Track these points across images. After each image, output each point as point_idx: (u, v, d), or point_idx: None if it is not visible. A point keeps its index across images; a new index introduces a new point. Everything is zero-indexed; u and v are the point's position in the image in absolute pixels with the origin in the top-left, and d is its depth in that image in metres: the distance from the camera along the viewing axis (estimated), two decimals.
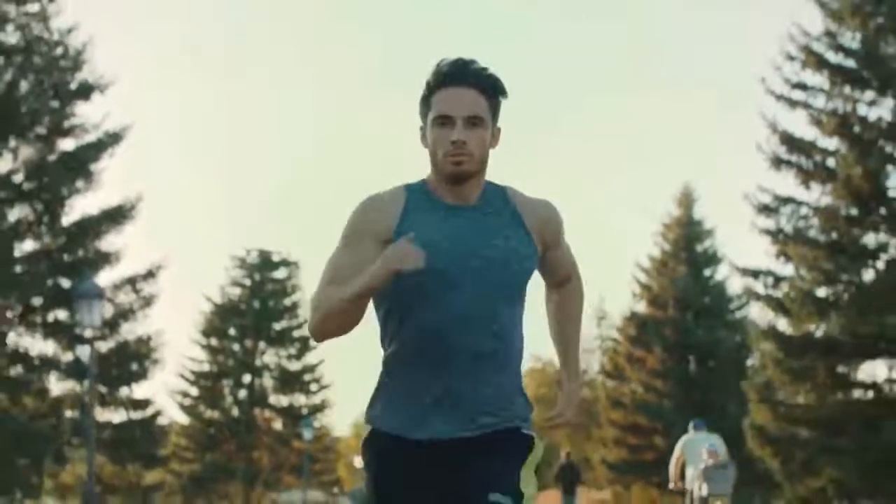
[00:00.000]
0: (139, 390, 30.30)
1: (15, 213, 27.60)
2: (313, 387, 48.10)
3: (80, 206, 29.09)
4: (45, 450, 25.90)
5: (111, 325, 28.29)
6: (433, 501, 3.20)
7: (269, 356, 48.03)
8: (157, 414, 31.17)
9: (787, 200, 27.75)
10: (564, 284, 3.50)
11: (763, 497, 35.48)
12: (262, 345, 47.68)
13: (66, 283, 27.47)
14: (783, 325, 28.23)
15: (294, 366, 48.04)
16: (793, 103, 27.72)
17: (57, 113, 27.93)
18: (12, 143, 27.42)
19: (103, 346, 28.21)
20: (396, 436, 3.21)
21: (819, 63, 27.45)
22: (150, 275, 29.42)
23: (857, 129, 27.05)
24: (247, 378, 47.35)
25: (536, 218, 3.30)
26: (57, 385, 28.20)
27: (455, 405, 3.17)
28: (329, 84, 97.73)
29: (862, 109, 27.28)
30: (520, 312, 3.28)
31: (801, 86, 27.75)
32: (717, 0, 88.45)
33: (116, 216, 28.58)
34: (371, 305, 3.25)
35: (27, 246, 27.86)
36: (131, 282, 29.23)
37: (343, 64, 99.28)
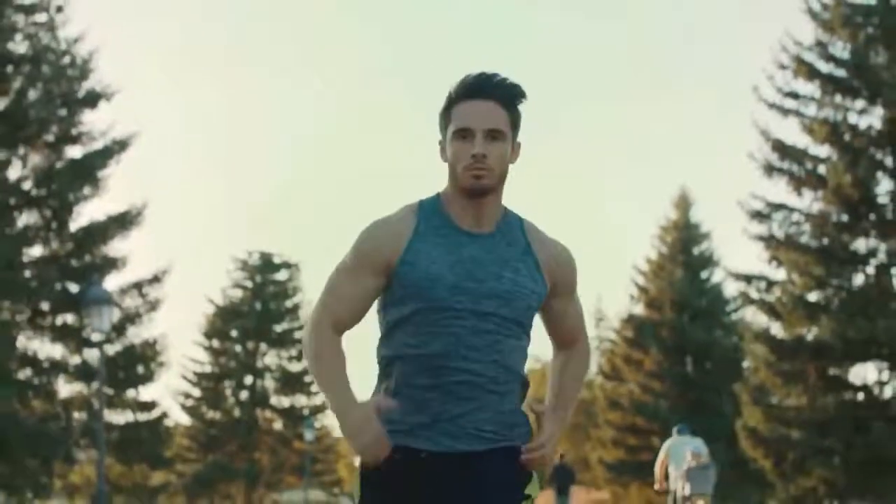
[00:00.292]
0: (145, 392, 30.63)
1: (24, 219, 27.82)
2: (314, 388, 47.52)
3: (87, 212, 29.79)
4: (54, 451, 26.08)
5: (118, 329, 28.44)
6: None
7: (271, 357, 48.13)
8: (163, 416, 31.35)
9: (779, 207, 28.01)
10: (571, 347, 3.40)
11: (759, 496, 35.86)
12: (263, 346, 47.77)
13: (73, 287, 27.65)
14: (775, 328, 28.48)
15: (295, 367, 47.97)
16: (785, 111, 28.06)
17: (65, 121, 28.11)
18: (21, 150, 27.66)
19: (110, 350, 28.36)
20: (394, 446, 3.14)
21: (810, 72, 27.75)
22: (155, 279, 29.59)
23: (847, 137, 27.35)
24: (248, 379, 47.46)
25: (551, 257, 3.23)
26: (65, 387, 28.38)
27: (453, 427, 3.13)
28: (330, 85, 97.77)
29: (852, 118, 27.64)
30: (525, 344, 3.23)
31: (793, 95, 28.10)
32: (718, 3, 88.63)
33: (123, 222, 28.71)
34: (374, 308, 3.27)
35: (36, 251, 28.05)
36: (138, 286, 29.42)
37: (344, 66, 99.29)
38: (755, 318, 29.95)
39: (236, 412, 47.12)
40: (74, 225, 28.42)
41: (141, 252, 55.68)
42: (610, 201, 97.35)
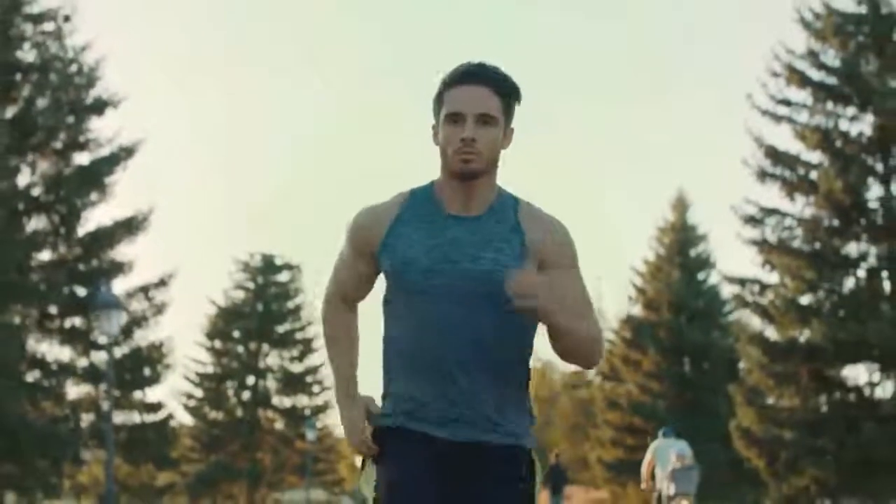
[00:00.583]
0: (152, 394, 30.90)
1: (33, 225, 28.19)
2: (315, 388, 48.04)
3: (94, 218, 29.77)
4: (64, 452, 26.42)
5: (125, 332, 28.77)
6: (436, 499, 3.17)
7: (273, 358, 48.09)
8: (169, 417, 31.59)
9: (772, 212, 28.20)
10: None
11: (754, 496, 36.10)
12: (265, 347, 47.73)
13: (81, 291, 28.04)
14: (769, 331, 28.67)
15: (297, 368, 48.03)
16: (778, 118, 28.27)
17: (72, 128, 28.49)
18: (30, 157, 28.06)
19: (117, 352, 28.69)
20: (397, 428, 3.21)
21: (802, 80, 28.00)
22: (162, 283, 29.99)
23: (838, 143, 27.58)
24: (250, 380, 47.41)
25: (539, 233, 3.18)
26: (73, 389, 28.73)
27: (444, 411, 3.14)
28: (330, 85, 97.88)
29: (843, 125, 27.88)
30: (516, 326, 3.15)
31: (786, 102, 28.32)
32: (718, 4, 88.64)
33: (129, 227, 29.09)
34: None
35: (44, 255, 28.46)
36: (144, 290, 29.79)
37: (344, 66, 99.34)
38: (749, 320, 30.14)
39: (238, 412, 47.05)
40: (82, 230, 28.84)
41: (143, 254, 56.12)
42: (609, 202, 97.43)
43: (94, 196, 28.69)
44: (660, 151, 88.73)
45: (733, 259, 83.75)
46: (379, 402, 3.33)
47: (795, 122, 28.19)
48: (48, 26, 28.64)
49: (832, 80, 28.09)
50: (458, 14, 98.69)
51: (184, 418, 45.81)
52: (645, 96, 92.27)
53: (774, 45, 28.36)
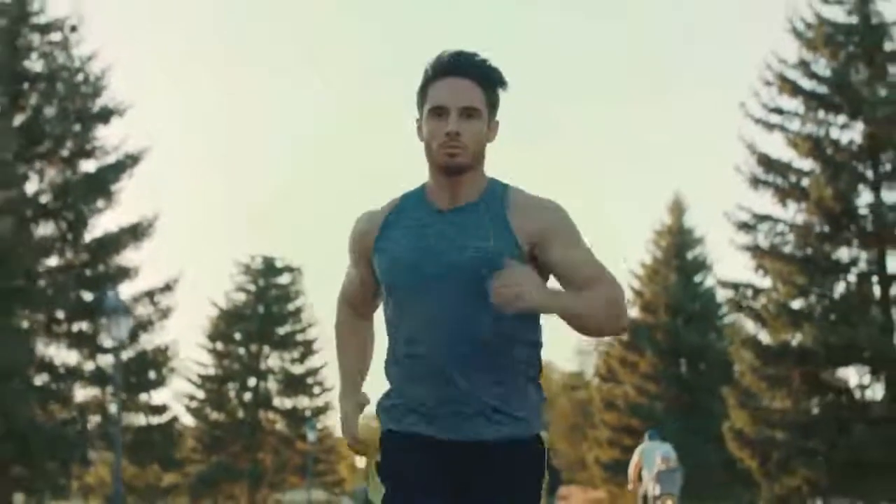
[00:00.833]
0: (157, 396, 31.15)
1: (41, 231, 28.51)
2: (316, 389, 48.08)
3: (101, 224, 30.05)
4: (72, 454, 26.74)
5: (131, 336, 28.88)
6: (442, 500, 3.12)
7: (274, 360, 48.11)
8: (174, 419, 31.92)
9: (765, 218, 28.38)
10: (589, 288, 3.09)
11: (749, 496, 36.41)
12: (266, 349, 47.79)
13: (88, 296, 28.36)
14: (761, 334, 28.84)
15: (298, 369, 48.07)
16: (770, 126, 28.47)
17: (79, 136, 28.83)
18: (38, 165, 28.40)
19: (123, 356, 28.73)
20: (400, 431, 3.17)
21: (794, 89, 28.24)
22: (167, 288, 30.28)
23: (829, 151, 27.80)
24: (252, 381, 47.41)
25: (529, 217, 3.10)
26: (80, 392, 28.99)
27: (444, 411, 3.09)
28: (330, 85, 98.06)
29: (834, 133, 28.11)
30: (512, 317, 3.05)
31: (778, 110, 28.52)
32: (718, 4, 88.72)
33: (135, 233, 29.39)
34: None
35: (52, 261, 28.76)
36: (150, 295, 30.10)
37: (344, 66, 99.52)
38: (743, 324, 30.39)
39: (240, 414, 47.07)
40: (89, 236, 29.14)
41: (146, 259, 56.26)
42: (608, 204, 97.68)
43: (100, 203, 29.02)
44: (658, 153, 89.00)
45: (730, 262, 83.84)
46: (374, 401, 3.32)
47: (787, 130, 28.44)
48: (55, 36, 29.02)
49: (823, 89, 28.34)
50: (458, 14, 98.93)
51: (185, 419, 45.84)
52: (645, 97, 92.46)
53: (767, 55, 28.76)
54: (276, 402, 48.30)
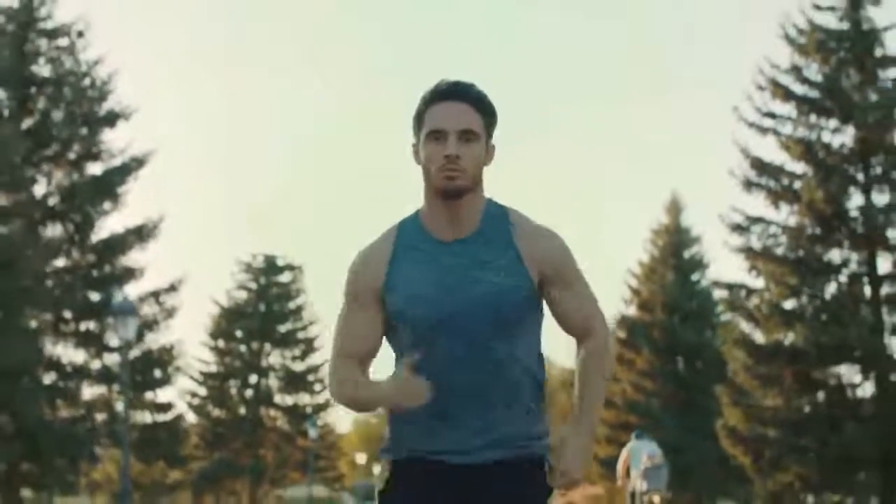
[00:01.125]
0: (163, 395, 31.49)
1: (48, 233, 28.95)
2: (317, 386, 48.36)
3: (107, 226, 30.57)
4: (81, 451, 27.17)
5: (137, 335, 29.05)
6: None
7: (275, 357, 48.55)
8: (179, 417, 32.39)
9: (758, 220, 28.58)
10: (584, 339, 3.20)
11: (744, 492, 36.66)
12: (267, 346, 48.17)
13: (95, 296, 28.82)
14: (755, 334, 29.06)
15: (298, 366, 48.50)
16: (763, 130, 28.68)
17: (86, 140, 29.26)
18: (46, 168, 28.84)
19: (129, 355, 29.56)
20: (410, 459, 3.15)
21: (786, 94, 28.46)
22: (172, 288, 30.74)
23: (821, 154, 28.02)
24: (253, 378, 47.86)
25: (535, 249, 3.10)
26: (87, 390, 29.43)
27: (462, 441, 3.08)
28: (330, 85, 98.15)
29: (826, 137, 28.29)
30: (525, 345, 3.12)
31: (771, 115, 28.72)
32: (718, 4, 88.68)
33: (140, 234, 29.83)
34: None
35: (59, 262, 29.20)
36: (155, 295, 30.54)
37: (344, 66, 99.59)
38: (736, 323, 30.56)
39: (241, 410, 47.45)
40: (95, 237, 29.60)
41: (151, 258, 56.47)
42: (607, 202, 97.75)
43: (106, 205, 29.48)
44: (657, 152, 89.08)
45: (727, 261, 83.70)
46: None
47: (780, 133, 28.66)
48: (63, 42, 29.49)
49: (815, 94, 28.59)
50: (458, 14, 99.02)
51: (188, 416, 46.09)
52: (644, 97, 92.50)
53: (760, 60, 28.87)
54: (278, 398, 48.65)
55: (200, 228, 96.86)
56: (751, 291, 29.15)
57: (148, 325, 30.49)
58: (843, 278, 28.25)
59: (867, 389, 28.21)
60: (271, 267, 49.61)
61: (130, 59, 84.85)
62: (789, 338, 28.25)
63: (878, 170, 28.24)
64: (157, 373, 30.70)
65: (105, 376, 28.78)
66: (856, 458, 26.78)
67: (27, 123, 28.71)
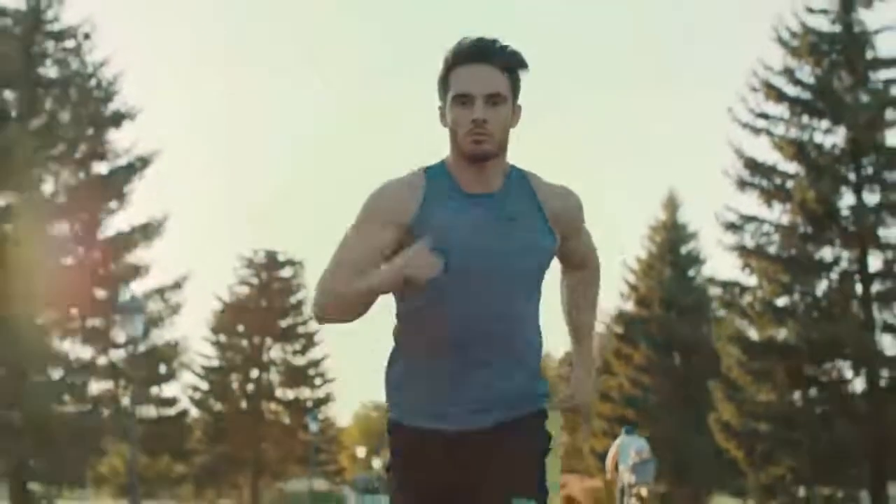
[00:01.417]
0: (168, 390, 32.01)
1: (55, 231, 29.30)
2: (318, 381, 48.47)
3: (113, 224, 30.81)
4: (90, 445, 27.60)
5: (143, 331, 29.96)
6: (456, 492, 3.10)
7: (276, 352, 48.45)
8: (184, 411, 32.89)
9: (751, 219, 29.00)
10: (579, 269, 3.35)
11: (738, 485, 37.03)
12: (268, 341, 48.12)
13: (101, 293, 29.19)
14: (748, 330, 29.53)
15: (299, 361, 48.47)
16: (756, 131, 29.09)
17: (92, 140, 29.61)
18: (53, 167, 29.19)
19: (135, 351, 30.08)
20: (420, 427, 3.11)
21: (779, 95, 28.88)
22: (176, 285, 31.12)
23: (813, 154, 28.43)
24: (254, 373, 47.84)
25: (557, 207, 3.14)
26: (94, 386, 29.73)
27: (475, 398, 3.05)
28: (330, 85, 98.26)
29: (818, 137, 28.71)
30: (536, 305, 3.14)
31: (764, 115, 29.13)
32: (719, 2, 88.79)
33: (146, 232, 30.17)
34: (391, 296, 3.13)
35: (66, 260, 29.55)
36: (160, 292, 30.92)
37: (344, 66, 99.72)
38: (731, 319, 30.86)
39: (243, 404, 47.47)
40: (102, 235, 29.93)
41: (156, 255, 56.67)
42: (607, 193, 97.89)
43: (112, 203, 29.85)
44: (655, 147, 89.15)
45: (722, 259, 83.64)
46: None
47: (773, 134, 29.04)
48: (69, 43, 29.84)
49: (807, 95, 28.99)
50: (458, 14, 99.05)
51: (190, 410, 46.28)
52: (646, 88, 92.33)
53: (753, 62, 29.40)
54: (279, 393, 48.68)
55: (203, 226, 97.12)
56: (744, 289, 29.51)
57: (153, 322, 30.78)
58: (834, 276, 28.59)
59: (858, 385, 28.64)
60: (272, 262, 49.62)
61: (135, 60, 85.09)
62: (782, 334, 28.64)
63: (869, 170, 28.64)
64: (162, 368, 31.00)
65: (111, 372, 29.10)
66: (846, 452, 27.19)
67: (35, 124, 29.00)
